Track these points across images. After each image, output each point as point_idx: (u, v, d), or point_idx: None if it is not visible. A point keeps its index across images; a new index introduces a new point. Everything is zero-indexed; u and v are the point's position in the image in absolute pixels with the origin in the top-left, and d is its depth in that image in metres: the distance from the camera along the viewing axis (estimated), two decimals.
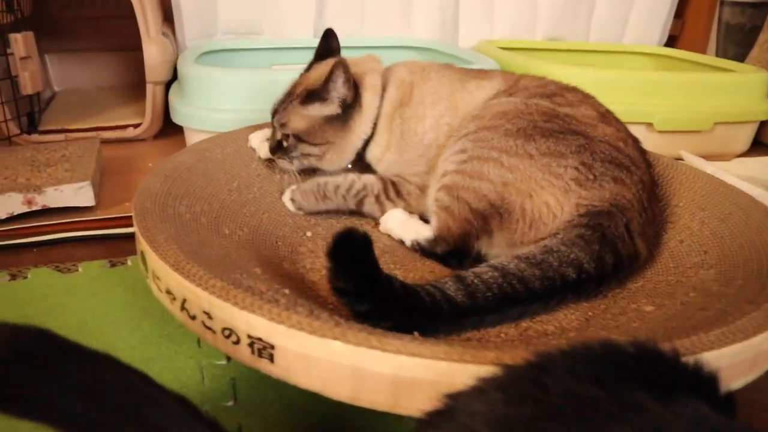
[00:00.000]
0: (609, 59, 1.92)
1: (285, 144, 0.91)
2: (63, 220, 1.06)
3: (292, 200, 0.92)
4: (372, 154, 0.94)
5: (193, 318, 0.56)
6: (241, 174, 0.93)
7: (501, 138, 0.80)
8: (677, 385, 0.38)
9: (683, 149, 1.44)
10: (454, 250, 0.81)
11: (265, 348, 0.51)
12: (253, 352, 0.52)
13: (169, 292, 0.59)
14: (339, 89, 0.88)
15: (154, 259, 0.60)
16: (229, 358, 0.73)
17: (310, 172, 0.96)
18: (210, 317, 0.54)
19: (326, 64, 0.92)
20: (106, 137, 1.46)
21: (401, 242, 0.87)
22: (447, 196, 0.81)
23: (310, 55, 1.00)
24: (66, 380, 0.39)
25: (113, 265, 0.95)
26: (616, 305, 0.74)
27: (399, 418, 0.64)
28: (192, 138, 1.31)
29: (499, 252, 0.79)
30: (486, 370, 0.46)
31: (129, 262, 0.95)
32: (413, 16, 1.78)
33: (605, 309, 0.74)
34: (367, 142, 0.93)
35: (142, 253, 0.65)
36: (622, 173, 0.78)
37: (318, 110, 0.89)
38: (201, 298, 0.54)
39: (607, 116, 0.86)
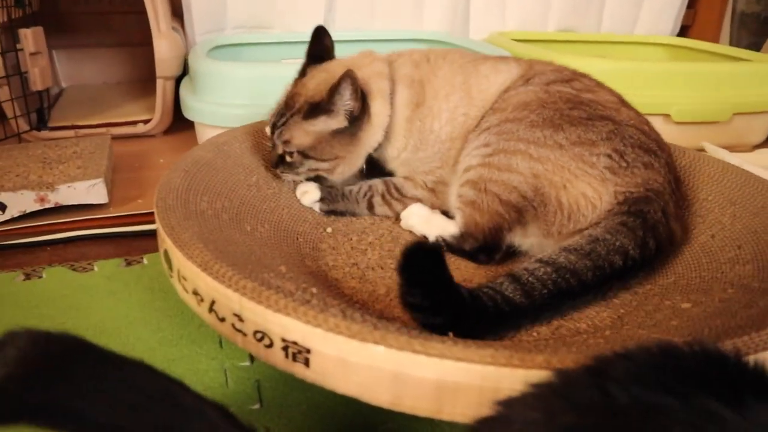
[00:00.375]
0: (622, 50, 1.90)
1: (289, 159, 0.85)
2: (77, 218, 1.04)
3: (321, 189, 0.89)
4: (386, 154, 0.90)
5: (222, 320, 0.54)
6: (260, 169, 0.91)
7: (527, 129, 0.78)
8: (743, 388, 0.36)
9: (701, 140, 1.41)
10: (484, 245, 0.79)
11: (300, 352, 0.49)
12: (287, 356, 0.50)
13: (196, 293, 0.57)
14: (346, 102, 0.81)
15: (180, 259, 0.58)
16: (252, 359, 0.71)
17: None
18: (241, 320, 0.52)
19: (324, 71, 0.87)
20: (116, 133, 1.44)
21: (424, 238, 0.85)
22: (472, 190, 0.79)
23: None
24: (101, 390, 0.37)
25: (129, 263, 0.93)
26: (648, 302, 0.72)
27: (431, 421, 0.63)
28: (203, 133, 1.29)
29: (534, 242, 0.78)
30: (535, 375, 0.45)
31: (145, 261, 0.93)
32: (424, 8, 1.75)
33: (637, 306, 0.72)
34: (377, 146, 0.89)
35: (165, 251, 0.63)
36: (651, 158, 0.78)
37: (324, 124, 0.82)
38: (231, 299, 0.52)
39: (624, 100, 0.85)
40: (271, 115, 0.87)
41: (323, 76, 0.86)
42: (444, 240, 0.82)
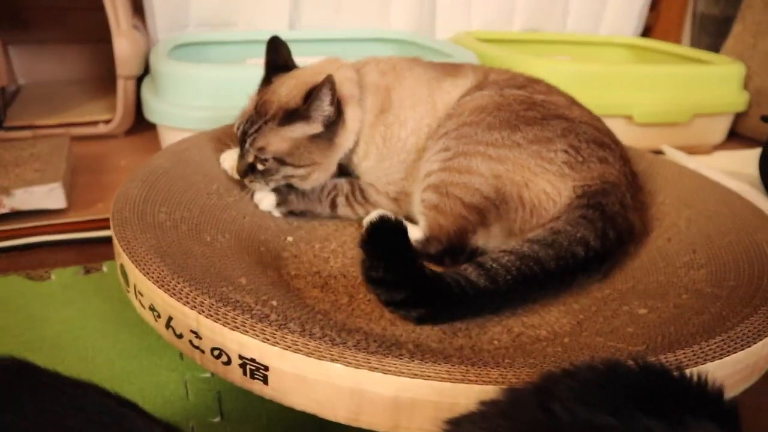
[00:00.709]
0: (586, 50, 1.92)
1: (261, 167, 0.83)
2: (34, 224, 1.01)
3: (278, 192, 0.87)
4: (352, 160, 0.90)
5: (180, 337, 0.53)
6: (221, 176, 0.89)
7: (485, 131, 0.80)
8: (685, 405, 0.37)
9: (661, 142, 1.44)
10: (449, 247, 0.79)
11: (258, 369, 0.49)
12: (245, 373, 0.50)
13: (153, 309, 0.56)
14: (325, 108, 0.81)
15: (136, 275, 0.57)
16: None
17: None
18: (198, 337, 0.51)
19: (293, 78, 0.85)
20: (76, 133, 1.40)
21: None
22: (435, 195, 0.80)
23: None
24: (46, 418, 0.37)
25: (88, 271, 0.91)
26: (607, 307, 0.73)
27: None
28: (166, 135, 1.27)
29: (498, 243, 0.79)
30: (490, 390, 0.45)
31: (105, 269, 0.92)
32: (391, 7, 1.75)
33: (596, 311, 0.73)
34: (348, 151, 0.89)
35: (122, 266, 0.62)
36: (605, 152, 0.81)
37: (301, 130, 0.82)
38: (188, 317, 0.52)
39: (575, 101, 0.88)
40: (237, 124, 0.85)
41: (293, 82, 0.85)
42: None
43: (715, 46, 1.87)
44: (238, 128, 0.85)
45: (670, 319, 0.65)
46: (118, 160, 1.34)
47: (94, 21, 1.48)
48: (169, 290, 0.53)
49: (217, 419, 0.64)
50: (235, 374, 0.51)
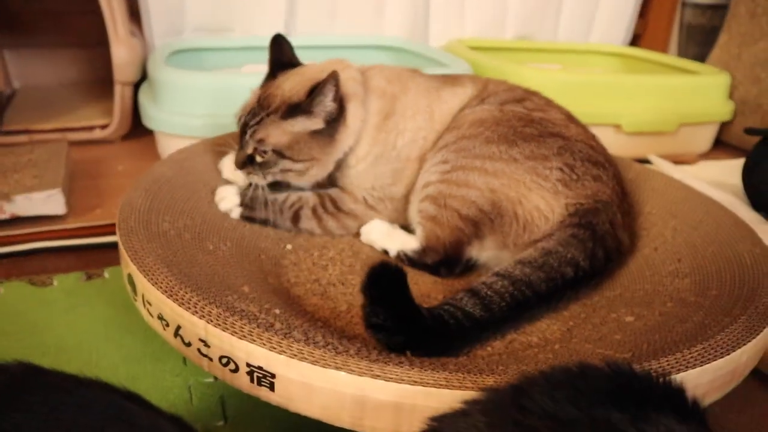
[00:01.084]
0: (576, 59, 1.96)
1: (260, 159, 0.84)
2: (35, 230, 1.03)
3: (243, 195, 0.87)
4: (346, 161, 0.90)
5: (189, 345, 0.56)
6: (221, 184, 0.91)
7: (482, 145, 0.82)
8: (649, 401, 0.41)
9: (649, 151, 1.48)
10: (445, 258, 0.82)
11: (265, 377, 0.51)
12: (252, 381, 0.52)
13: (161, 318, 0.58)
14: (327, 104, 0.82)
15: (144, 284, 0.59)
16: None
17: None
18: (207, 345, 0.54)
19: (298, 74, 0.87)
20: (72, 138, 1.41)
21: (385, 253, 0.88)
22: (433, 206, 0.82)
23: None
24: (54, 417, 0.38)
25: (89, 277, 0.93)
26: (596, 314, 0.76)
27: None
28: (163, 142, 1.29)
29: (491, 255, 0.82)
30: None
31: (106, 275, 0.93)
32: (385, 13, 1.77)
33: (585, 318, 0.76)
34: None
35: (129, 276, 0.64)
36: (599, 170, 0.83)
37: (302, 125, 0.83)
38: (197, 326, 0.54)
39: (572, 117, 0.90)
40: (239, 116, 0.86)
41: (298, 78, 0.86)
42: (405, 254, 0.85)
43: (701, 55, 1.91)
44: (239, 119, 0.86)
45: (655, 327, 0.68)
46: (115, 165, 1.35)
47: (89, 25, 1.49)
48: (177, 300, 0.56)
49: (221, 423, 0.66)
50: (242, 381, 0.53)
